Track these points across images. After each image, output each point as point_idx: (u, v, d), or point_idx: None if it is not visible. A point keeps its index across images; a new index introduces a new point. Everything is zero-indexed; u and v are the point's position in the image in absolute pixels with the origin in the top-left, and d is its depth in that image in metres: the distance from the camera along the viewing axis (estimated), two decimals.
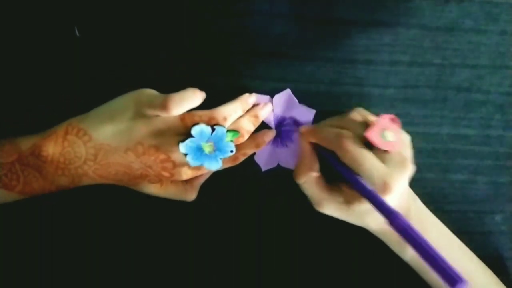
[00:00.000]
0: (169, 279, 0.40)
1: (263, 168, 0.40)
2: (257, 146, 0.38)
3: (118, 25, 0.40)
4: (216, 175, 0.39)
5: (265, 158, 0.40)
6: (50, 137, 0.34)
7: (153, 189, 0.36)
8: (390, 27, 0.41)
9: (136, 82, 0.36)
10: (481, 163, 0.43)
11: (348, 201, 0.35)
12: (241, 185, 0.41)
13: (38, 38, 0.39)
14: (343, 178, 0.34)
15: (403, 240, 0.28)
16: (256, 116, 0.38)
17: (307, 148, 0.38)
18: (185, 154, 0.33)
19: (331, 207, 0.36)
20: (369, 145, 0.34)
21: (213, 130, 0.33)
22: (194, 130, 0.33)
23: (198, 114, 0.34)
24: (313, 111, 0.40)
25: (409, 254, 0.36)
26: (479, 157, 0.43)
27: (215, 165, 0.34)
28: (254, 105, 0.39)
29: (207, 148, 0.33)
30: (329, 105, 0.41)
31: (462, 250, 0.38)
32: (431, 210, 0.38)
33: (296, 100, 0.40)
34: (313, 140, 0.37)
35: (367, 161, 0.32)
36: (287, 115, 0.40)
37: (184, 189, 0.38)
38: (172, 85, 0.36)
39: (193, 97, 0.34)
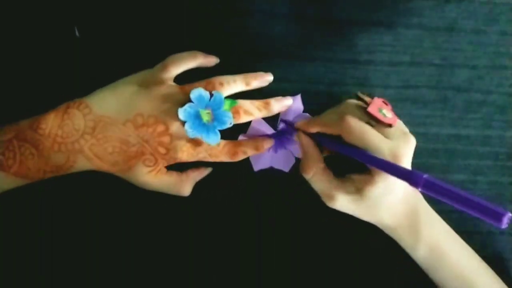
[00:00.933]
0: (168, 279, 0.40)
1: (255, 168, 0.40)
2: (257, 148, 0.38)
3: (118, 25, 0.40)
4: (215, 174, 0.39)
5: (258, 159, 0.40)
6: (51, 112, 0.34)
7: (146, 177, 0.35)
8: (390, 27, 0.41)
9: None
10: (481, 163, 0.43)
11: (360, 189, 0.34)
12: (241, 183, 0.41)
13: (38, 38, 0.39)
14: (350, 161, 0.34)
15: (433, 195, 0.28)
16: (267, 103, 0.37)
17: (308, 141, 0.37)
18: (184, 124, 0.33)
19: (343, 199, 0.35)
20: (370, 124, 0.34)
21: (211, 97, 0.34)
22: (193, 94, 0.33)
23: (197, 82, 0.35)
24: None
25: (421, 250, 0.36)
26: (479, 157, 0.43)
27: (214, 138, 0.34)
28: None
29: (205, 117, 0.34)
30: (329, 105, 0.41)
31: (466, 249, 0.38)
32: None
33: (302, 107, 0.40)
34: (314, 129, 0.37)
35: (374, 137, 0.33)
36: (290, 120, 0.40)
37: (179, 179, 0.37)
38: None
39: (191, 56, 0.36)
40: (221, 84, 0.35)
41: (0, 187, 0.34)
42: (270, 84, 0.39)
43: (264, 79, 0.38)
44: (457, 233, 0.38)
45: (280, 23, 0.40)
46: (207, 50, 0.38)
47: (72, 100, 0.35)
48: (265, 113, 0.37)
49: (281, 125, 0.40)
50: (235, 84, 0.36)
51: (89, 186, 0.38)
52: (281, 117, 0.40)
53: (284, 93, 0.40)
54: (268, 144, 0.38)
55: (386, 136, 0.34)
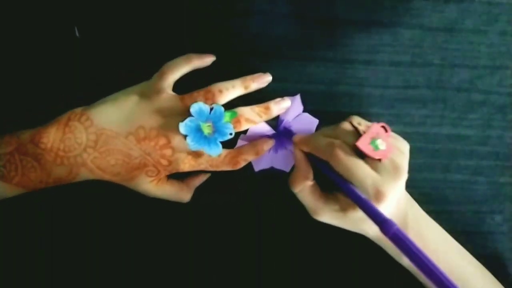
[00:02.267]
0: (169, 282, 0.40)
1: (256, 169, 0.40)
2: (257, 153, 0.38)
3: (118, 25, 0.40)
4: (216, 176, 0.39)
5: (259, 160, 0.40)
6: (51, 124, 0.34)
7: (148, 186, 0.36)
8: (390, 27, 0.41)
9: (136, 82, 0.36)
10: (481, 163, 0.43)
11: (344, 209, 0.35)
12: (241, 184, 0.41)
13: (38, 38, 0.39)
14: (337, 186, 0.35)
15: (398, 248, 0.28)
16: (267, 108, 0.37)
17: (301, 157, 0.37)
18: (185, 137, 0.33)
19: (327, 215, 0.36)
20: (361, 154, 0.34)
21: (211, 110, 0.34)
22: (193, 108, 0.33)
23: (196, 92, 0.35)
24: (316, 121, 0.40)
25: (406, 259, 0.36)
26: (479, 157, 0.43)
27: (215, 149, 0.34)
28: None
29: (206, 129, 0.34)
30: (329, 105, 0.41)
31: (460, 254, 0.38)
32: (431, 211, 0.38)
33: (302, 107, 0.40)
34: (306, 150, 0.37)
35: (360, 170, 0.33)
36: (290, 121, 0.40)
37: (180, 188, 0.38)
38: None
39: (186, 61, 0.36)
40: (220, 91, 0.35)
41: (3, 196, 0.34)
42: (270, 84, 0.39)
43: (263, 80, 0.38)
44: (457, 234, 0.38)
45: (280, 23, 0.40)
46: (207, 50, 0.38)
47: (72, 110, 0.35)
48: (265, 118, 0.38)
49: (281, 126, 0.40)
50: (234, 89, 0.36)
51: (90, 189, 0.38)
52: (280, 117, 0.40)
53: (284, 93, 0.40)
54: (268, 145, 0.38)
55: (375, 169, 0.33)
